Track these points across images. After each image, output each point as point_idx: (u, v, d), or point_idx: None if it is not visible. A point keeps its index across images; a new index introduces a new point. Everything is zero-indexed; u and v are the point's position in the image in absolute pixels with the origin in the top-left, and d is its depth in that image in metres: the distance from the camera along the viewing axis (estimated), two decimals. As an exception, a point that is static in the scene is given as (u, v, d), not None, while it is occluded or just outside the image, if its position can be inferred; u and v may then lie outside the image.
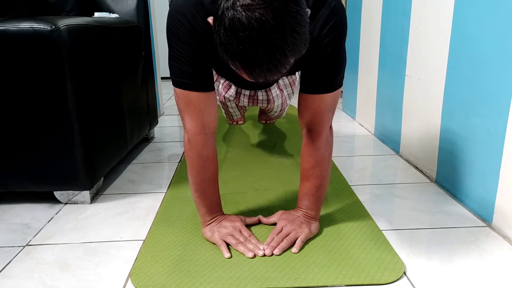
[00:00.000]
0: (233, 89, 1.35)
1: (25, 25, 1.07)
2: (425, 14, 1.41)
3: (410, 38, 1.53)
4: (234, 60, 0.68)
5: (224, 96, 1.38)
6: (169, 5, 3.21)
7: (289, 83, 1.36)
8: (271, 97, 1.37)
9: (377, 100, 1.92)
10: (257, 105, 1.44)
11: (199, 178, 0.99)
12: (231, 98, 1.38)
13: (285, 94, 1.40)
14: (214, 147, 0.99)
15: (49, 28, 1.07)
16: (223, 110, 1.60)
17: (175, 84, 0.93)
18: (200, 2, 0.84)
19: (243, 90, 1.36)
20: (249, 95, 1.38)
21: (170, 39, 0.89)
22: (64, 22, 1.11)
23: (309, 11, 0.72)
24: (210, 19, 0.73)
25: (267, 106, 1.43)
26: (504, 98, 1.01)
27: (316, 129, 0.99)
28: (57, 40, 1.08)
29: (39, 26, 1.07)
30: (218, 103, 1.47)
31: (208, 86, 0.93)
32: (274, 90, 1.36)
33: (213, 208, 1.02)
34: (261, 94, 1.37)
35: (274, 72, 0.68)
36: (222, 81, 1.36)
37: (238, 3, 0.64)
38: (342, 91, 2.67)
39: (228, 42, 0.66)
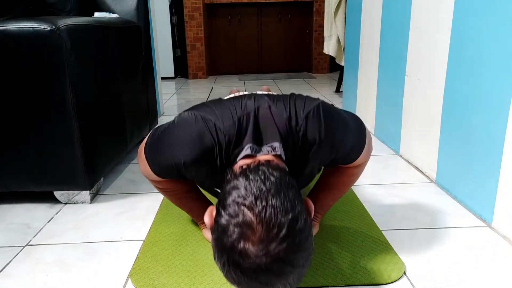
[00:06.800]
0: None
1: (25, 25, 1.07)
2: (425, 14, 1.41)
3: (410, 38, 1.53)
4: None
5: None
6: (169, 5, 3.19)
7: None
8: None
9: (377, 100, 1.92)
10: None
11: (172, 200, 0.98)
12: None
13: None
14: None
15: (49, 28, 1.07)
16: None
17: (151, 162, 0.83)
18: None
19: None
20: None
21: (170, 133, 0.79)
22: (64, 22, 1.11)
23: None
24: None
25: None
26: (504, 98, 1.01)
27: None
28: (57, 40, 1.08)
29: (39, 26, 1.07)
30: None
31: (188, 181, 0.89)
32: None
33: (200, 215, 1.00)
34: None
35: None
36: None
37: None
38: (342, 91, 2.67)
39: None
